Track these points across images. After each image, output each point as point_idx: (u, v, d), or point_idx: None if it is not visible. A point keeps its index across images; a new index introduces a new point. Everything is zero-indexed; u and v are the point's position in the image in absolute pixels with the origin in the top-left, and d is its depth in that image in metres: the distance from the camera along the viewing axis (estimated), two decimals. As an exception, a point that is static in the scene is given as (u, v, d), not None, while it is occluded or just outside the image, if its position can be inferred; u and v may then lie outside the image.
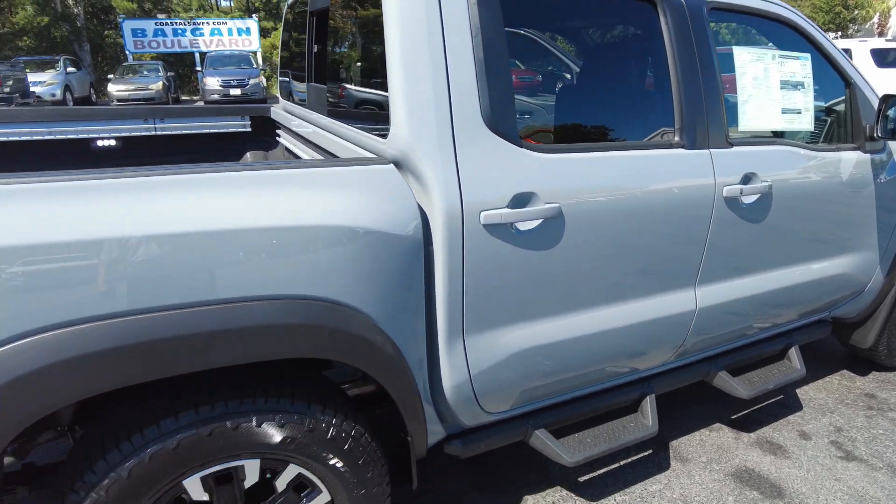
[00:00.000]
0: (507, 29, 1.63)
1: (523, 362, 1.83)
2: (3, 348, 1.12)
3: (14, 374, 1.12)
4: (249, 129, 2.98)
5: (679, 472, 2.45)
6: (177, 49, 19.86)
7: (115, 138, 2.76)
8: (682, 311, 2.13)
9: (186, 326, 1.25)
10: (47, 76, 15.63)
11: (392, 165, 1.53)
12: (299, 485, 1.60)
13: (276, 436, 1.46)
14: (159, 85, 16.12)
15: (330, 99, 2.11)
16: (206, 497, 1.47)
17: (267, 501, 1.57)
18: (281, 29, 2.85)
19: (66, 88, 16.00)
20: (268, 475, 1.55)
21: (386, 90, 1.60)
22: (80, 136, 2.67)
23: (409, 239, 1.51)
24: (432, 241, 1.57)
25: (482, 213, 1.59)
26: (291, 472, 1.56)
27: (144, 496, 1.36)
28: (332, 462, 1.57)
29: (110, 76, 17.00)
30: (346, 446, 1.58)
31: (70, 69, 16.77)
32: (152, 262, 1.22)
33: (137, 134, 2.79)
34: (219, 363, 1.32)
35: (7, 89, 12.91)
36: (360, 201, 1.45)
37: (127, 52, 19.56)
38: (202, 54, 19.09)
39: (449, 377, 1.73)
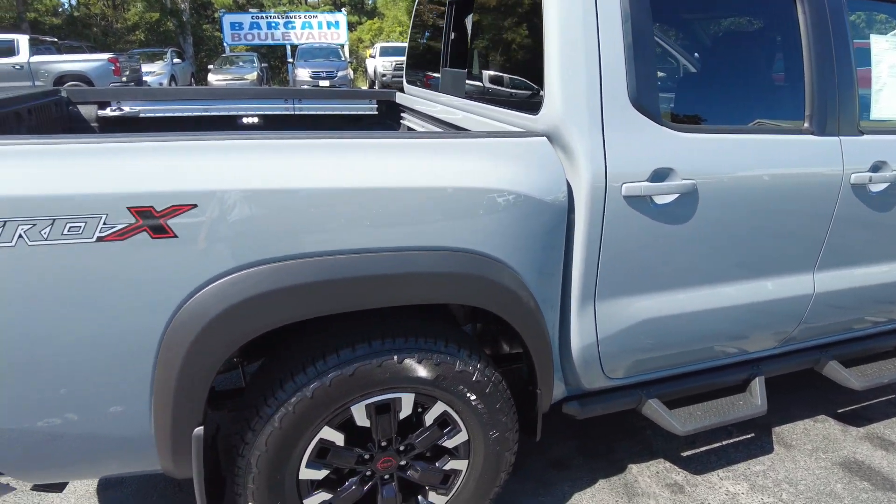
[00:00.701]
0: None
1: (647, 331, 1.95)
2: (232, 276, 1.36)
3: (243, 297, 1.36)
4: (375, 112, 3.21)
5: (783, 457, 2.49)
6: (270, 41, 20.87)
7: (258, 116, 3.07)
8: (800, 294, 2.18)
9: (375, 268, 1.46)
10: (156, 67, 16.86)
11: (545, 138, 1.68)
12: (442, 422, 1.79)
13: (432, 373, 1.66)
14: (254, 75, 17.02)
15: (469, 82, 2.29)
16: (367, 424, 1.68)
17: (415, 434, 1.77)
18: (411, 20, 3.06)
19: (172, 78, 17.19)
20: (419, 409, 1.75)
21: (535, 72, 1.76)
22: (231, 112, 2.99)
23: (557, 206, 1.66)
24: (574, 209, 1.71)
25: (624, 185, 1.72)
26: (438, 409, 1.75)
27: (321, 415, 1.59)
28: (473, 402, 1.75)
29: (210, 66, 18.10)
30: (487, 389, 1.76)
31: (176, 60, 18.01)
32: (350, 210, 1.43)
33: (277, 113, 3.08)
34: (395, 302, 1.52)
35: (125, 78, 14.03)
36: (516, 169, 1.61)
37: (225, 45, 20.76)
38: (293, 46, 19.96)
39: (578, 339, 1.87)
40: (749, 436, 2.62)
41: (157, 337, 1.36)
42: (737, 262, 2.00)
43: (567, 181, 1.69)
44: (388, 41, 22.29)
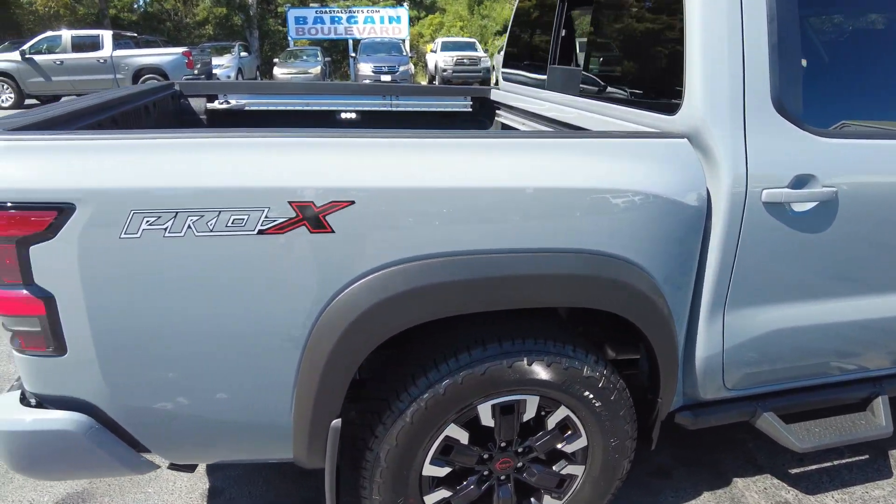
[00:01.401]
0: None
1: (773, 343, 1.87)
2: (383, 272, 1.37)
3: (393, 292, 1.37)
4: (470, 110, 3.21)
5: (904, 482, 2.35)
6: (332, 36, 21.25)
7: (356, 111, 3.10)
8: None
9: (519, 269, 1.45)
10: (225, 60, 17.41)
11: (686, 140, 1.63)
12: (563, 427, 1.77)
13: (559, 377, 1.63)
14: (318, 69, 17.36)
15: (586, 80, 2.24)
16: (491, 424, 1.68)
17: (535, 436, 1.76)
18: (512, 15, 3.03)
19: (239, 71, 17.72)
20: (542, 412, 1.73)
21: (672, 71, 1.70)
22: (330, 108, 3.04)
23: (695, 210, 1.60)
24: (712, 214, 1.65)
25: (764, 191, 1.64)
26: (561, 413, 1.73)
27: (450, 413, 1.59)
28: (597, 409, 1.72)
29: (275, 60, 18.57)
30: (612, 396, 1.72)
31: (242, 54, 18.56)
32: (496, 209, 1.42)
33: (374, 109, 3.11)
34: (534, 304, 1.51)
35: (196, 71, 14.54)
36: (657, 170, 1.57)
37: (289, 38, 21.26)
38: (355, 41, 20.25)
39: (703, 348, 1.81)
40: (863, 457, 2.48)
41: (307, 329, 1.39)
42: (874, 274, 1.89)
43: (706, 185, 1.64)
44: (448, 36, 22.31)
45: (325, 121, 3.04)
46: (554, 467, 1.83)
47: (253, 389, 1.44)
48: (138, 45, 15.31)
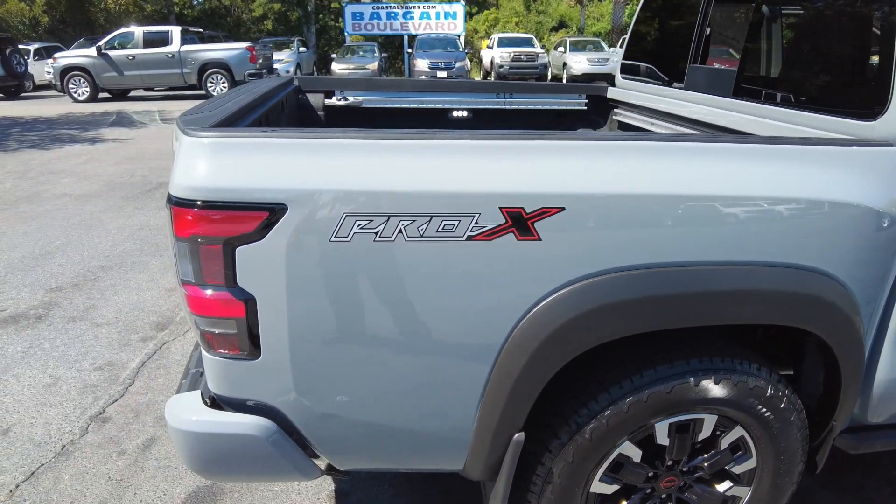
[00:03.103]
0: None
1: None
2: (584, 283, 1.30)
3: (594, 305, 1.30)
4: (585, 108, 3.11)
5: None
6: (388, 31, 21.37)
7: (467, 110, 3.05)
8: None
9: (725, 284, 1.36)
10: (284, 55, 17.75)
11: (894, 148, 1.50)
12: (734, 447, 1.67)
13: (742, 395, 1.53)
14: (375, 65, 17.49)
15: (747, 80, 2.12)
16: (666, 442, 1.59)
17: (706, 455, 1.67)
18: (637, 13, 2.92)
19: (297, 66, 18.02)
20: (717, 432, 1.64)
21: (872, 74, 1.57)
22: (445, 106, 2.99)
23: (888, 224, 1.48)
24: (911, 228, 1.52)
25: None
26: (736, 433, 1.63)
27: (628, 430, 1.52)
28: (774, 429, 1.62)
29: (333, 55, 18.79)
30: (791, 418, 1.61)
31: (301, 49, 18.85)
32: (702, 219, 1.34)
33: (487, 107, 3.04)
34: (735, 320, 1.42)
35: (258, 65, 14.85)
36: (864, 180, 1.45)
37: (345, 34, 21.48)
38: (411, 37, 20.31)
39: (886, 370, 1.68)
40: None
41: (502, 340, 1.33)
42: None
43: (908, 196, 1.50)
44: (503, 32, 22.13)
45: (438, 119, 3.00)
46: (718, 487, 1.73)
47: (439, 399, 1.39)
48: (203, 40, 15.74)
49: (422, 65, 17.22)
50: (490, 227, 1.23)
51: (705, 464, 1.67)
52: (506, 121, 3.05)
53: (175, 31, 14.58)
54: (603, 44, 19.57)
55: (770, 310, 1.43)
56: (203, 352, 1.38)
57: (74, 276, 4.29)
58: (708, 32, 2.39)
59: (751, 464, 1.70)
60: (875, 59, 1.59)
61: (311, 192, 1.19)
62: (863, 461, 2.41)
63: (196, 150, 1.21)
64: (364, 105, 2.91)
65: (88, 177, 7.28)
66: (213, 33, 17.68)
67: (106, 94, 15.48)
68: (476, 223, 1.23)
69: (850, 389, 1.64)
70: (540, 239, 1.26)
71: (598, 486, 1.61)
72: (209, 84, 14.55)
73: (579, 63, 17.65)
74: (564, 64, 18.28)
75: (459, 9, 21.01)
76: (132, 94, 16.25)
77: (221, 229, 1.20)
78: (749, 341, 1.80)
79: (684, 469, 1.69)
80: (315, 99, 2.89)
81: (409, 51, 19.36)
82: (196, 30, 16.07)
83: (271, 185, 1.19)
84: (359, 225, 1.20)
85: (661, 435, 1.58)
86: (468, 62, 18.19)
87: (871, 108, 1.58)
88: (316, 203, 1.19)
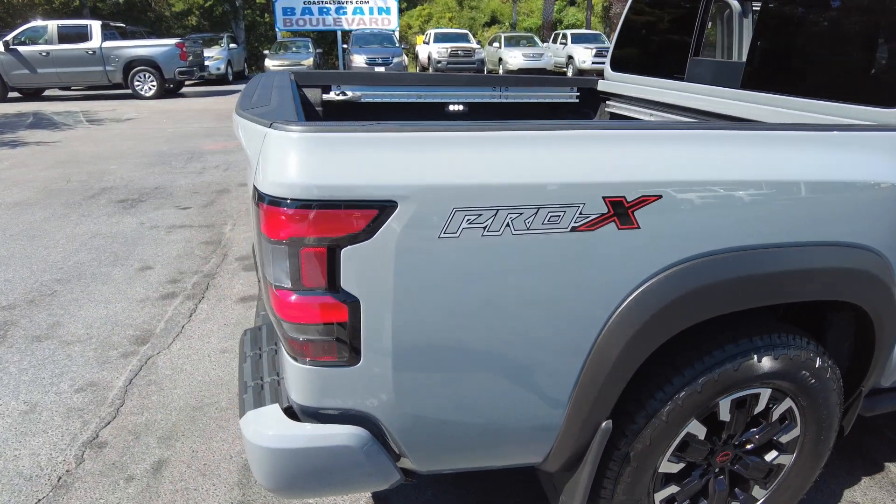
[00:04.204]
0: None
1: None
2: (678, 268, 1.34)
3: (687, 289, 1.34)
4: (577, 101, 3.17)
5: None
6: (321, 27, 20.90)
7: (464, 104, 3.04)
8: None
9: (795, 263, 1.43)
10: (214, 52, 17.00)
11: (921, 131, 1.63)
12: (782, 418, 1.77)
13: (795, 370, 1.62)
14: (310, 61, 17.09)
15: (755, 71, 2.23)
16: (728, 418, 1.66)
17: (758, 428, 1.75)
18: (628, 6, 3.00)
19: (229, 63, 17.33)
20: (770, 405, 1.72)
21: (883, 62, 1.70)
22: (443, 100, 2.97)
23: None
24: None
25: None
26: (785, 405, 1.73)
27: (698, 410, 1.57)
28: (819, 400, 1.72)
29: (265, 52, 18.20)
30: (834, 387, 1.72)
31: (232, 45, 18.13)
32: (776, 203, 1.40)
33: (483, 101, 3.05)
34: (801, 297, 1.50)
35: (188, 62, 14.16)
36: (891, 160, 1.56)
37: (277, 30, 20.84)
38: (344, 32, 19.95)
39: (906, 336, 1.82)
40: None
41: (599, 328, 1.35)
42: None
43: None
44: (437, 27, 22.13)
45: (435, 112, 2.98)
46: (766, 457, 1.83)
47: (534, 392, 1.39)
48: (125, 36, 14.85)
49: (359, 60, 17.00)
50: (593, 217, 1.24)
51: (757, 436, 1.76)
52: (502, 114, 3.07)
53: (95, 25, 13.65)
54: (536, 39, 19.98)
55: (827, 286, 1.52)
56: (287, 361, 1.31)
57: (27, 292, 3.96)
58: (710, 26, 2.50)
59: (796, 433, 1.80)
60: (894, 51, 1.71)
61: (420, 187, 1.16)
62: (857, 425, 2.59)
63: (294, 146, 1.15)
64: (363, 100, 2.84)
65: (18, 183, 6.72)
66: (136, 29, 16.71)
67: (16, 94, 14.32)
68: (580, 214, 1.23)
69: (882, 356, 1.76)
70: (639, 227, 1.28)
71: (666, 466, 1.66)
72: (136, 83, 13.74)
73: (515, 58, 17.97)
74: (500, 59, 18.54)
75: (393, 4, 20.83)
76: (47, 93, 15.12)
77: (327, 230, 1.14)
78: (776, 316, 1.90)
79: (737, 443, 1.77)
80: (312, 94, 2.79)
81: (345, 46, 19.03)
82: (118, 25, 15.12)
83: (381, 182, 1.14)
84: (468, 220, 1.18)
85: (724, 412, 1.64)
86: (405, 57, 18.10)
87: (891, 97, 1.70)
88: (426, 199, 1.16)
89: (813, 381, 1.68)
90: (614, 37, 3.11)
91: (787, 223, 1.42)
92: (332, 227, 1.15)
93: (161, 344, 3.32)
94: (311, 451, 1.30)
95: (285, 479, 1.34)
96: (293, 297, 1.21)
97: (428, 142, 1.19)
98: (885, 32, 1.77)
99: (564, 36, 19.15)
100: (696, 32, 2.55)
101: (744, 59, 2.41)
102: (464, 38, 19.58)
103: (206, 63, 16.03)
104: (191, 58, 14.41)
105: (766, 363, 1.59)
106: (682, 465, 1.69)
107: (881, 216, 1.55)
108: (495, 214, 1.19)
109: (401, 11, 23.56)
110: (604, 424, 1.45)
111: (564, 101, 3.16)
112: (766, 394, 1.68)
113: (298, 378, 1.30)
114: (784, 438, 1.80)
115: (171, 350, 3.27)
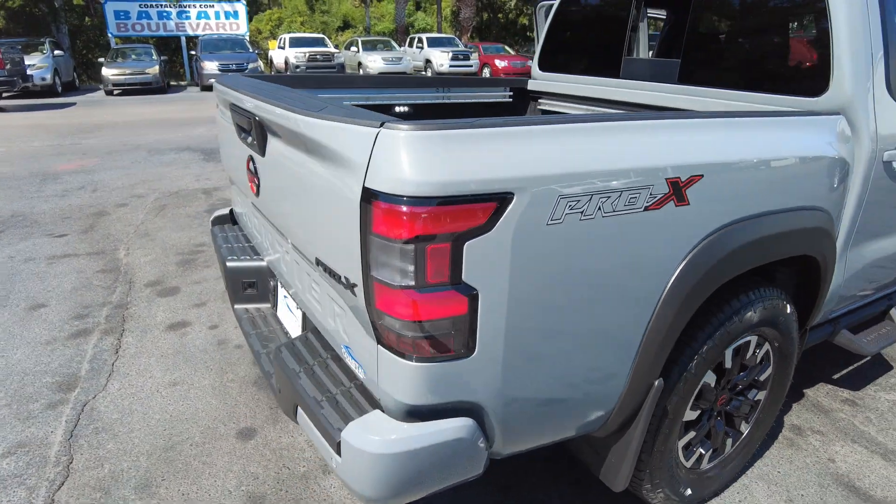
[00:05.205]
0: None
1: (864, 272, 2.37)
2: (719, 233, 1.57)
3: (728, 250, 1.58)
4: (510, 100, 3.39)
5: (903, 372, 3.08)
6: (162, 32, 19.27)
7: (408, 105, 3.12)
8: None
9: (787, 225, 1.74)
10: (36, 59, 14.96)
11: (843, 116, 2.02)
12: (762, 359, 2.10)
13: (777, 316, 1.95)
14: (156, 69, 15.73)
15: (690, 68, 2.57)
16: (729, 365, 1.94)
17: (747, 370, 2.06)
18: (555, 8, 3.24)
19: (56, 72, 15.38)
20: (755, 350, 2.04)
21: (815, 57, 2.09)
22: (391, 102, 3.02)
23: (846, 170, 2.01)
24: (850, 173, 2.08)
25: (885, 153, 2.11)
26: (765, 348, 2.06)
27: (715, 358, 1.82)
28: (787, 340, 2.07)
29: (101, 59, 16.40)
30: (796, 327, 2.08)
31: (56, 52, 16.08)
32: (776, 177, 1.69)
33: (427, 101, 3.15)
34: (790, 254, 1.81)
35: (6, 71, 12.37)
36: (835, 139, 1.94)
37: (109, 35, 18.85)
38: (189, 38, 18.64)
39: (833, 280, 2.25)
40: (864, 361, 3.19)
41: (660, 294, 1.52)
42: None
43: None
44: (289, 32, 21.49)
45: (385, 114, 3.01)
46: (749, 395, 2.15)
47: (607, 361, 1.53)
48: (-81, 42, 12.60)
49: (211, 67, 16.02)
50: (659, 196, 1.42)
51: (745, 378, 2.07)
52: (443, 114, 3.19)
53: None
54: (393, 43, 20.24)
55: (802, 243, 1.86)
56: (393, 361, 1.32)
57: None
58: (642, 25, 2.82)
59: (769, 370, 2.14)
60: (819, 49, 2.10)
61: (533, 178, 1.24)
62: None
63: (412, 144, 1.17)
64: (318, 105, 2.79)
65: None
66: (-72, 34, 14.18)
67: None
68: (650, 194, 1.40)
69: (824, 297, 2.16)
70: (689, 203, 1.48)
71: (689, 415, 1.90)
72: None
73: (375, 62, 18.06)
74: (360, 63, 18.52)
75: (241, 8, 19.86)
76: None
77: (452, 225, 1.19)
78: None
79: (730, 387, 2.07)
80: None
81: (193, 53, 17.78)
82: None
83: (498, 175, 1.21)
84: (569, 206, 1.29)
85: (728, 360, 1.92)
86: (261, 63, 17.38)
87: (816, 87, 2.10)
88: (537, 188, 1.25)
89: (785, 325, 2.02)
90: (541, 39, 3.37)
91: (781, 193, 1.72)
92: (456, 221, 1.19)
93: (94, 387, 2.95)
94: (430, 449, 1.32)
95: (400, 484, 1.33)
96: (414, 295, 1.23)
97: (534, 134, 1.28)
98: (806, 33, 2.16)
99: (420, 40, 19.66)
100: (628, 32, 2.87)
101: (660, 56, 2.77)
102: (320, 42, 19.26)
103: (29, 72, 14.08)
104: (9, 66, 12.60)
105: (758, 313, 1.89)
106: (697, 413, 1.94)
107: (823, 181, 1.92)
108: (590, 199, 1.32)
109: (249, 16, 22.55)
110: (657, 383, 1.64)
111: (499, 100, 3.36)
112: (753, 341, 1.99)
113: (409, 377, 1.30)
114: (762, 377, 2.13)
115: (109, 391, 2.92)
